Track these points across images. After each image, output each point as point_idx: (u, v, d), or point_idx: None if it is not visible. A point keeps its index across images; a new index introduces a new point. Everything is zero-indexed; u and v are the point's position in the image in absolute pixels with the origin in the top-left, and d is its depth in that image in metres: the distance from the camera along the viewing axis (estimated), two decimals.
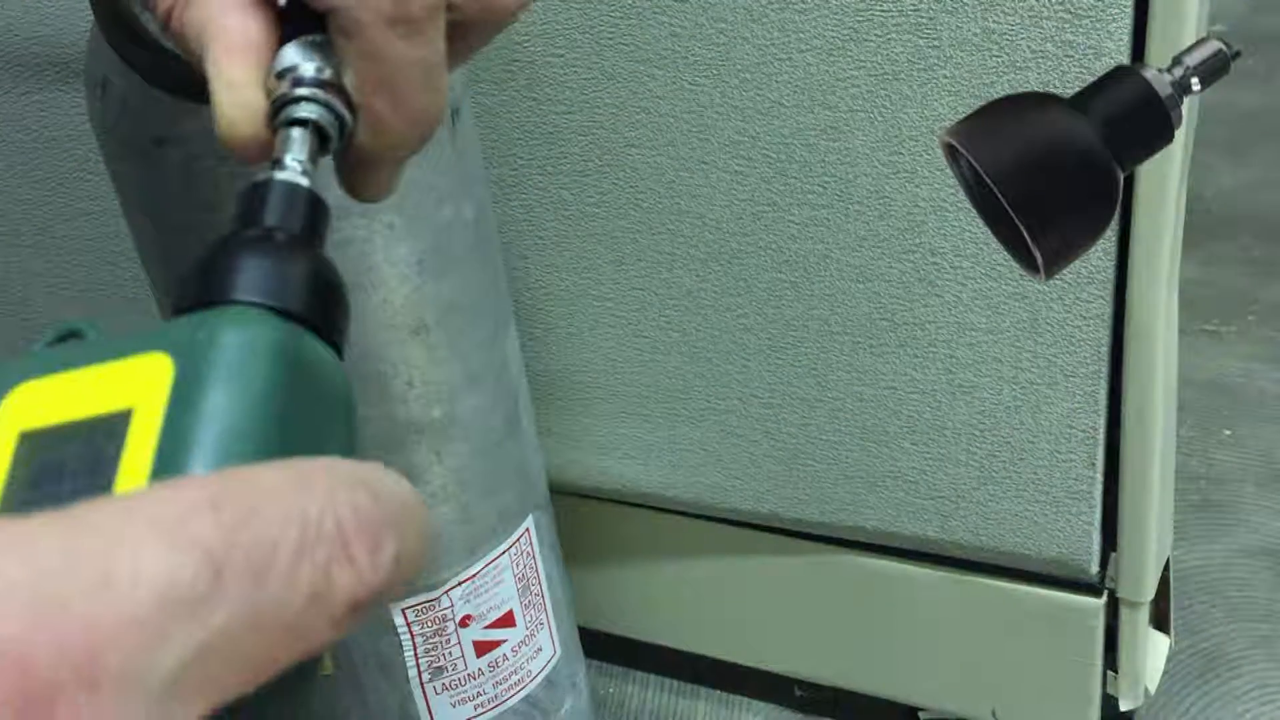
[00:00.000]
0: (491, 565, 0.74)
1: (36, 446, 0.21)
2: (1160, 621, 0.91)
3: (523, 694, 0.79)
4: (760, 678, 1.06)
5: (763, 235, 0.78)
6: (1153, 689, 0.91)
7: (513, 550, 0.75)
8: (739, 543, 0.95)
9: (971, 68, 0.67)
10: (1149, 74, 0.38)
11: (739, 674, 1.07)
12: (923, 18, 0.67)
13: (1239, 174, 1.76)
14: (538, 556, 0.78)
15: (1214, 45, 0.38)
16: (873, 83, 0.69)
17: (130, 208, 0.64)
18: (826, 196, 0.74)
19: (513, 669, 0.77)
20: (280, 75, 0.28)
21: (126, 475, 0.20)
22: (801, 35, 0.70)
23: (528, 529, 0.76)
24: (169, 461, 0.20)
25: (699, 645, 1.06)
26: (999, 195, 0.36)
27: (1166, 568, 0.88)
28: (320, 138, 0.28)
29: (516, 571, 0.76)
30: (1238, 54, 0.38)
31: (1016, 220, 0.36)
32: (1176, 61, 0.38)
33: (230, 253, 0.24)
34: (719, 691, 1.12)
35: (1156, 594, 0.86)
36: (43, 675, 0.15)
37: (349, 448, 0.23)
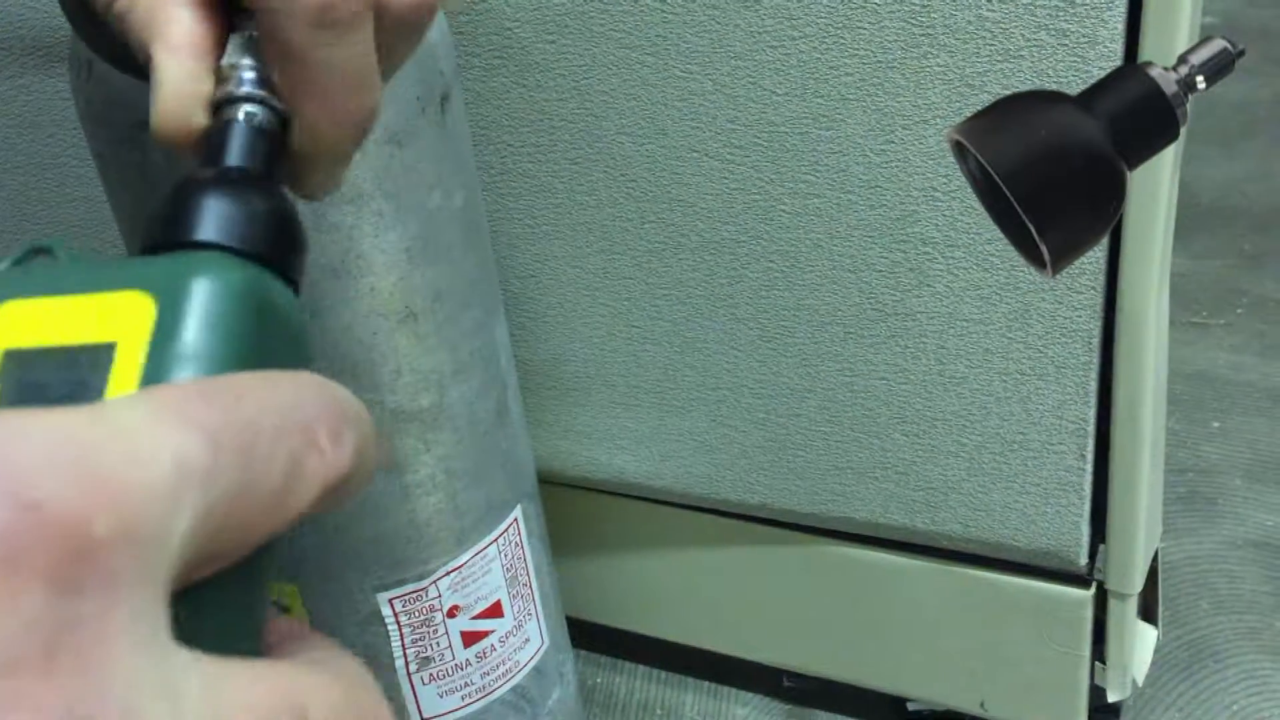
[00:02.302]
0: (479, 555, 0.74)
1: (21, 365, 0.22)
2: (1148, 613, 0.92)
3: (510, 684, 0.78)
4: (749, 668, 1.06)
5: (754, 224, 0.77)
6: (1140, 680, 0.91)
7: (501, 540, 0.75)
8: (728, 533, 0.95)
9: (965, 56, 0.67)
10: (1155, 72, 0.38)
11: (727, 664, 1.07)
12: (916, 5, 0.66)
13: (1229, 167, 1.76)
14: (526, 547, 0.77)
15: (1219, 44, 0.39)
16: (865, 71, 0.69)
17: (114, 191, 0.63)
18: (818, 186, 0.74)
19: (500, 659, 0.77)
20: (221, 72, 0.28)
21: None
22: (794, 22, 0.69)
23: (516, 519, 0.76)
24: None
25: (687, 636, 1.06)
26: (1006, 192, 0.37)
27: (1155, 559, 0.89)
28: (265, 131, 0.28)
29: (504, 562, 0.75)
30: (1242, 52, 0.39)
31: (1024, 217, 0.37)
32: (1182, 60, 0.39)
33: (200, 195, 0.26)
34: (707, 682, 1.12)
35: (1144, 586, 0.86)
36: (95, 533, 0.17)
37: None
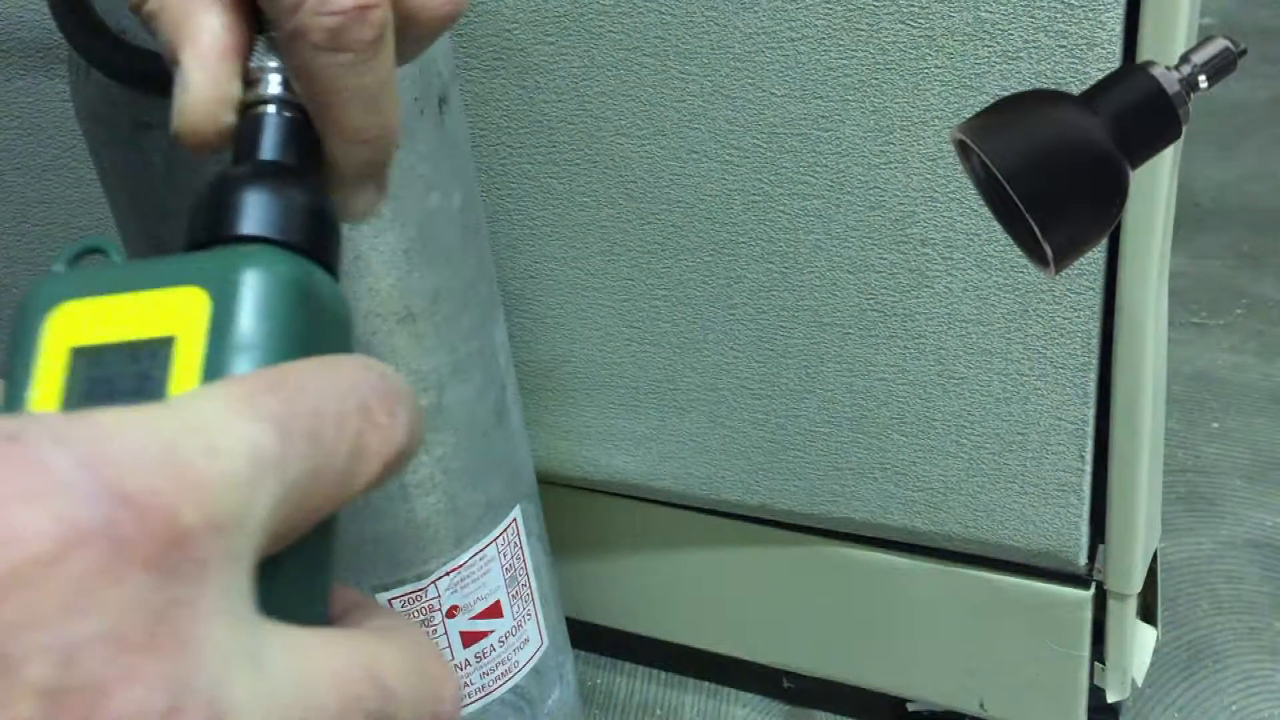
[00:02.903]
0: (479, 556, 0.74)
1: (88, 362, 0.23)
2: (1147, 613, 0.92)
3: (510, 685, 0.78)
4: (748, 669, 1.06)
5: (753, 225, 0.77)
6: (1140, 681, 0.91)
7: (500, 541, 0.75)
8: (728, 534, 0.95)
9: (964, 57, 0.67)
10: (1157, 71, 0.39)
11: (727, 665, 1.07)
12: (915, 7, 0.66)
13: (1229, 167, 1.76)
14: (525, 547, 0.77)
15: (1221, 43, 0.39)
16: (864, 72, 0.69)
17: (113, 192, 0.63)
18: (817, 187, 0.74)
19: (500, 660, 0.77)
20: (249, 74, 0.28)
21: (174, 394, 0.23)
22: (793, 24, 0.69)
23: (515, 519, 0.76)
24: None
25: (687, 636, 1.06)
26: (1009, 191, 0.37)
27: (1154, 560, 0.89)
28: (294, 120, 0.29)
29: (504, 562, 0.75)
30: (1244, 51, 0.39)
31: (1027, 215, 0.37)
32: (1184, 59, 0.39)
33: (242, 190, 0.26)
34: (707, 683, 1.12)
35: (1144, 586, 0.86)
36: (185, 522, 0.18)
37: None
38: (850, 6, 0.68)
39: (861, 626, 0.95)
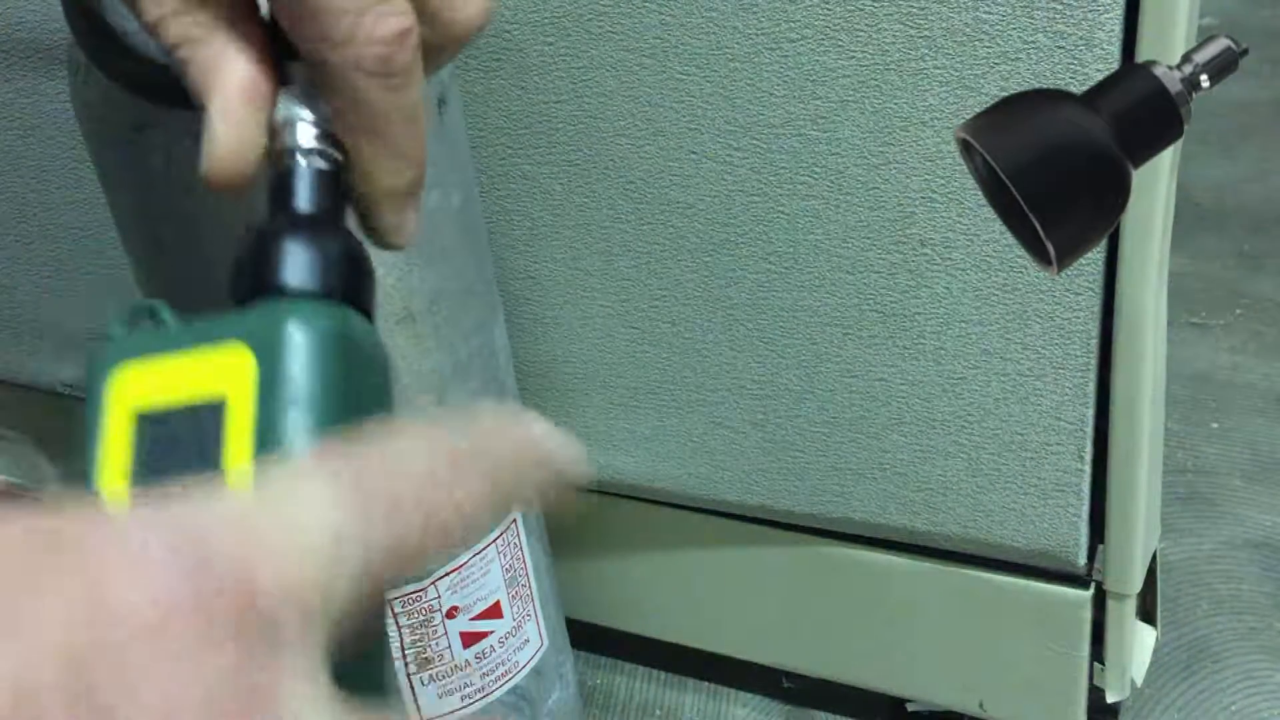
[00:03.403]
0: (479, 556, 0.74)
1: (150, 424, 0.25)
2: (1147, 614, 0.92)
3: (510, 685, 0.78)
4: (748, 669, 1.06)
5: (752, 226, 0.77)
6: (1139, 681, 0.91)
7: (500, 541, 0.75)
8: (727, 534, 0.95)
9: (962, 58, 0.67)
10: (1159, 71, 0.39)
11: (726, 665, 1.07)
12: (914, 7, 0.66)
13: (1228, 167, 1.76)
14: (525, 548, 0.77)
15: (1223, 43, 0.39)
16: (863, 73, 0.69)
17: (113, 193, 0.63)
18: (816, 187, 0.74)
19: (500, 660, 0.77)
20: (279, 124, 0.30)
21: (232, 454, 0.25)
22: (792, 25, 0.69)
23: (515, 520, 0.76)
24: (267, 443, 0.24)
25: (686, 637, 1.06)
26: (1012, 189, 0.37)
27: (1153, 560, 0.89)
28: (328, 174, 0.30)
29: (504, 563, 0.75)
30: (1245, 51, 0.39)
31: (1030, 214, 0.37)
32: (1186, 59, 0.39)
33: (279, 243, 0.28)
34: (707, 683, 1.12)
35: (1143, 586, 0.86)
36: (268, 597, 0.19)
37: (391, 400, 0.28)
38: (849, 7, 0.68)
39: (861, 627, 0.95)
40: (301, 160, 0.29)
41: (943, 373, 0.78)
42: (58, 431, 1.25)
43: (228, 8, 0.29)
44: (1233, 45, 0.40)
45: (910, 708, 1.02)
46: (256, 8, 0.30)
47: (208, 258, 0.60)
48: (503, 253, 0.85)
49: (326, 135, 0.29)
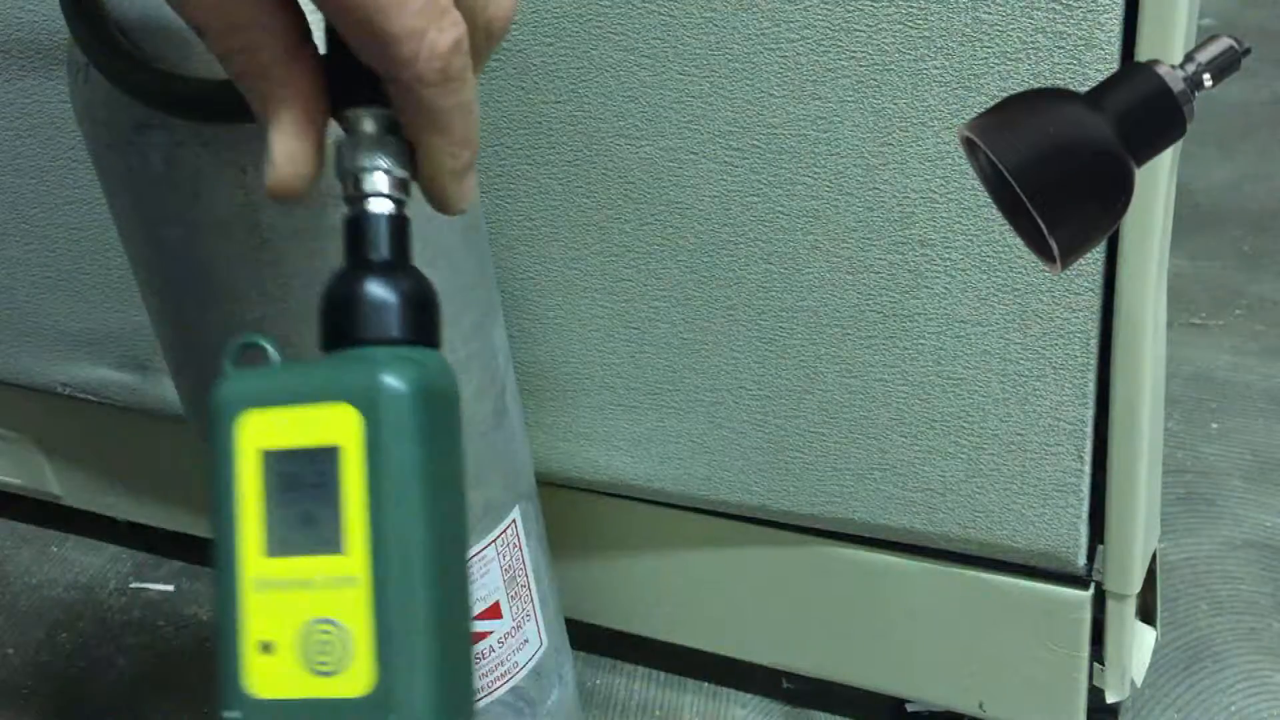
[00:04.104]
0: (478, 557, 0.74)
1: (277, 462, 0.30)
2: (1147, 614, 0.92)
3: (509, 686, 0.78)
4: (748, 670, 1.06)
5: (752, 226, 0.77)
6: (1139, 681, 0.91)
7: (499, 541, 0.75)
8: (727, 535, 0.95)
9: (962, 58, 0.67)
10: (1162, 70, 0.39)
11: (726, 666, 1.07)
12: (913, 8, 0.66)
13: (1228, 167, 1.76)
14: (524, 548, 0.77)
15: (1226, 42, 0.40)
16: (863, 73, 0.69)
17: (113, 193, 0.63)
18: (816, 187, 0.74)
19: (499, 661, 0.77)
20: (350, 174, 0.33)
21: (348, 494, 0.30)
22: (791, 25, 0.69)
23: (514, 520, 0.76)
24: (379, 487, 0.30)
25: (686, 637, 1.06)
26: (1017, 188, 0.37)
27: (1153, 560, 0.89)
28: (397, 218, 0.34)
29: (503, 563, 0.75)
30: (1248, 50, 0.40)
31: (1033, 212, 0.37)
32: (1189, 58, 0.39)
33: (363, 294, 0.32)
34: (707, 684, 1.12)
35: (1143, 587, 0.86)
36: None
37: (459, 411, 0.33)
38: (849, 7, 0.68)
39: (860, 627, 0.95)
40: (373, 207, 0.33)
41: (942, 373, 0.78)
42: (58, 431, 1.25)
43: (284, 40, 0.33)
44: (1235, 45, 0.40)
45: (910, 708, 1.02)
46: (310, 38, 0.34)
47: (207, 259, 0.60)
48: (502, 253, 0.85)
49: (395, 181, 0.33)
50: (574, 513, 0.99)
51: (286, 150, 0.33)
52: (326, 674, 0.30)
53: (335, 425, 0.30)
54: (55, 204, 0.99)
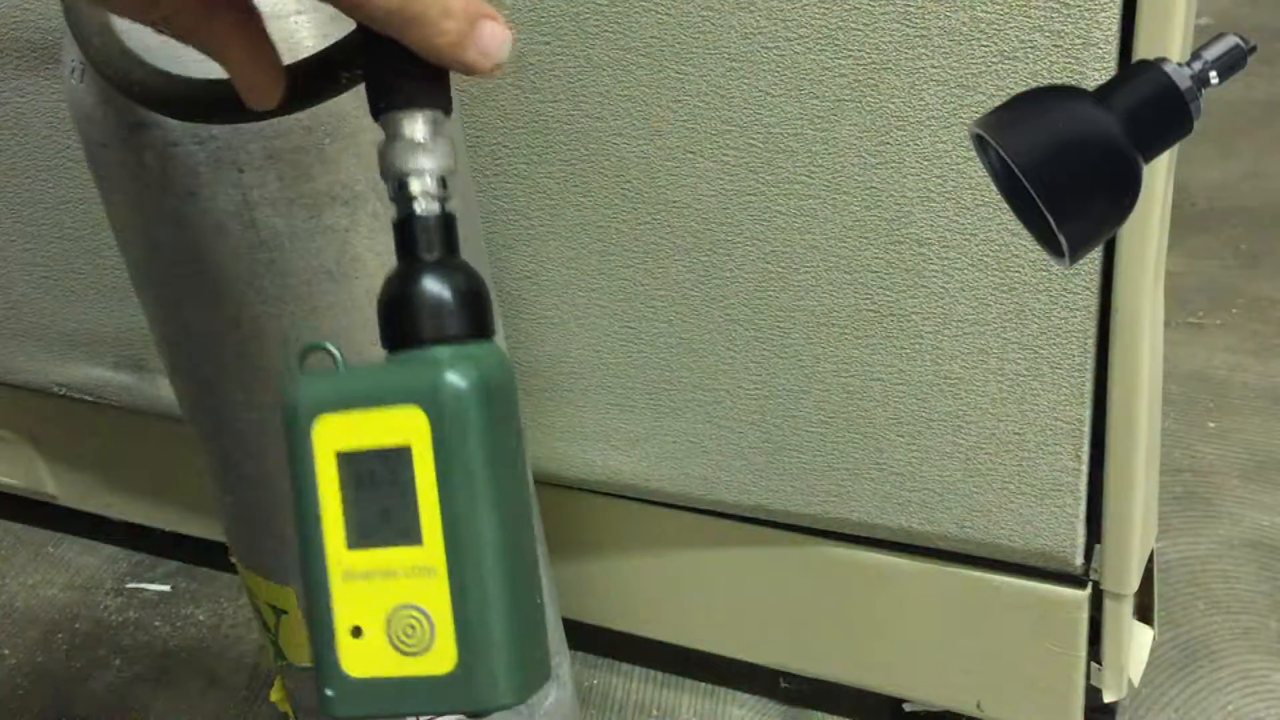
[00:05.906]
0: None
1: (352, 462, 0.33)
2: (1144, 613, 0.92)
3: None
4: (745, 669, 1.06)
5: (749, 225, 0.77)
6: (1136, 680, 0.91)
7: None
8: (724, 534, 0.95)
9: (960, 57, 0.67)
10: (1169, 68, 0.40)
11: (724, 666, 1.07)
12: (911, 7, 0.66)
13: (1225, 167, 1.76)
14: None
15: (1231, 40, 0.40)
16: (860, 72, 0.69)
17: (108, 193, 0.63)
18: (813, 187, 0.74)
19: None
20: (398, 176, 0.34)
21: (422, 490, 0.32)
22: (789, 24, 0.69)
23: None
24: (449, 474, 0.32)
25: (684, 637, 1.05)
26: (1026, 184, 0.38)
27: (1150, 560, 0.89)
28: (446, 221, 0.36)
29: None
30: (1254, 48, 0.40)
31: (1043, 208, 0.38)
32: (1195, 56, 0.40)
33: (420, 295, 0.34)
34: (704, 683, 1.12)
35: (1140, 586, 0.86)
36: None
37: (517, 396, 0.35)
38: (846, 7, 0.68)
39: (858, 627, 0.95)
40: (421, 209, 0.34)
41: (940, 372, 0.78)
42: (53, 432, 1.24)
43: (193, 1, 0.36)
44: (1241, 42, 0.40)
45: (907, 708, 1.02)
46: (257, 16, 0.37)
47: (202, 257, 0.60)
48: (500, 253, 0.85)
49: (439, 180, 0.34)
50: (571, 512, 0.99)
51: (246, 79, 0.38)
52: (413, 654, 0.33)
53: (404, 426, 0.32)
54: (51, 204, 0.99)
